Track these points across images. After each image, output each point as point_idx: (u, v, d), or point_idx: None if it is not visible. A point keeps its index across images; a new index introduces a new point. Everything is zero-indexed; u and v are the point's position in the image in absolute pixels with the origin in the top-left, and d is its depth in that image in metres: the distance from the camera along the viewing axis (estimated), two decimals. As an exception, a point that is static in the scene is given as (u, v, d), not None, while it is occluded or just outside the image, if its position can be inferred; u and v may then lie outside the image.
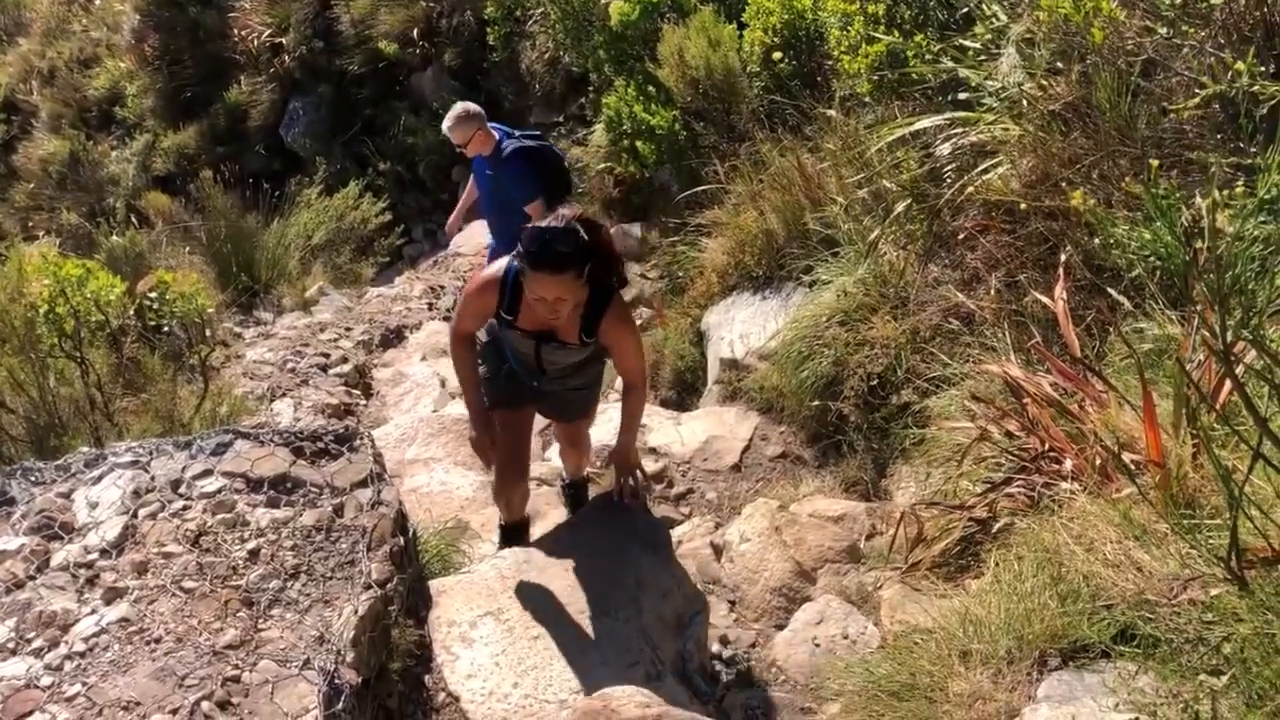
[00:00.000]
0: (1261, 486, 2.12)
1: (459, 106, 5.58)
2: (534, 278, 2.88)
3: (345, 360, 6.87)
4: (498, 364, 3.50)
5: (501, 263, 3.16)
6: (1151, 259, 1.65)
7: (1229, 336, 1.66)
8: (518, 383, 3.49)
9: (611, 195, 7.69)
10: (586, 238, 2.89)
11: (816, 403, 4.51)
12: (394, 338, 7.34)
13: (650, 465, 4.61)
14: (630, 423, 3.50)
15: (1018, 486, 3.03)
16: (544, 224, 2.88)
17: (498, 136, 5.56)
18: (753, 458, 4.72)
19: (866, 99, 4.96)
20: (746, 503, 4.27)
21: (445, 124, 5.53)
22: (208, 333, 5.57)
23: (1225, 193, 1.87)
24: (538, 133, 6.05)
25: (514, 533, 3.82)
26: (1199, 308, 2.49)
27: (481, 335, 3.47)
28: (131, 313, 4.81)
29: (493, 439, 3.43)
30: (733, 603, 3.74)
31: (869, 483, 4.26)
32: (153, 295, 4.75)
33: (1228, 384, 2.33)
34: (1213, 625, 1.92)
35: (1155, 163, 1.91)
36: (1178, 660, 1.92)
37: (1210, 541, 2.12)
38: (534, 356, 3.29)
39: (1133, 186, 2.18)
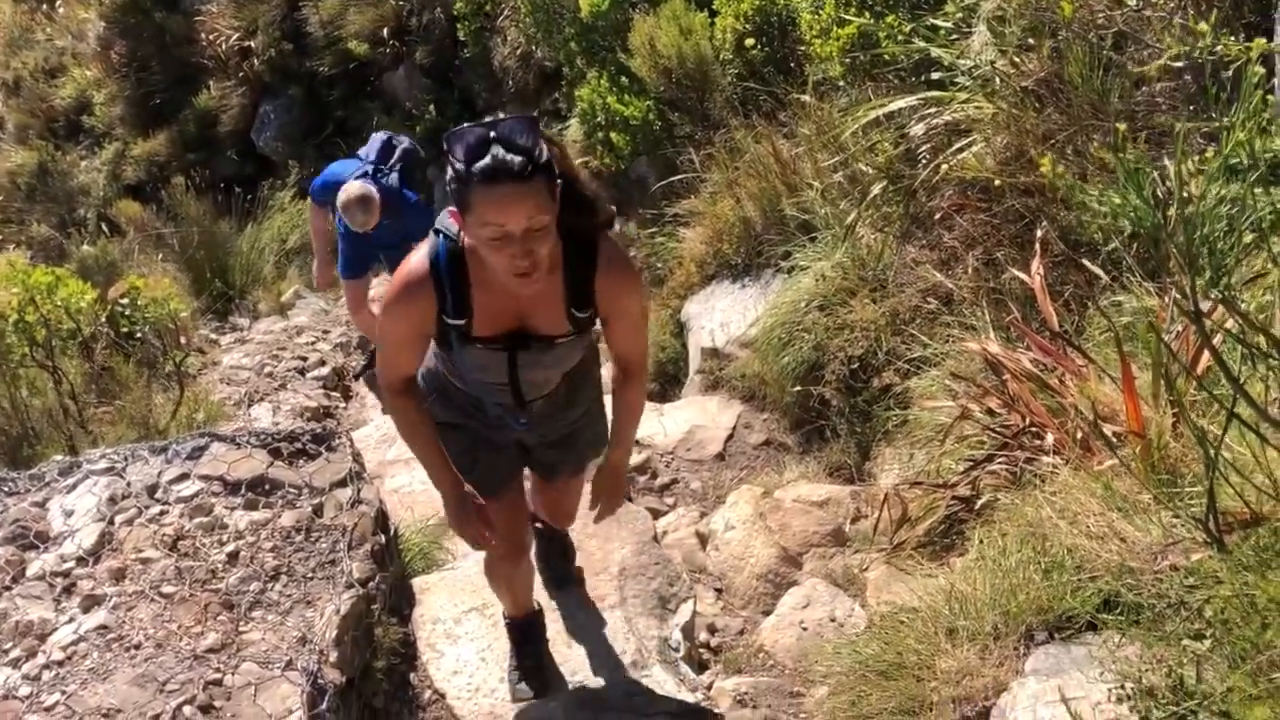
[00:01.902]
0: (1241, 451, 2.12)
1: (354, 193, 4.91)
2: (489, 202, 1.94)
3: (323, 363, 6.81)
4: (457, 422, 2.50)
5: (419, 251, 2.21)
6: (1123, 223, 1.64)
7: (1200, 298, 1.66)
8: (494, 449, 2.57)
9: (588, 189, 7.66)
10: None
11: (798, 388, 4.50)
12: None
13: (633, 457, 4.59)
14: (627, 429, 2.59)
15: (1000, 463, 3.03)
16: (483, 120, 1.98)
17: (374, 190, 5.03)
18: (736, 446, 4.70)
19: (840, 82, 4.96)
20: (731, 491, 4.26)
21: (354, 217, 4.91)
22: (183, 339, 5.50)
23: (1196, 158, 1.87)
24: (383, 136, 5.51)
25: (526, 631, 2.89)
26: (1174, 277, 2.49)
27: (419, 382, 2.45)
28: (103, 320, 4.75)
29: (481, 512, 2.46)
30: (719, 590, 3.72)
31: (853, 466, 4.26)
32: (124, 301, 4.70)
33: (1206, 351, 2.34)
34: (1194, 589, 1.92)
35: (1122, 127, 1.90)
36: (1161, 627, 1.92)
37: (1191, 508, 2.12)
38: (510, 380, 2.32)
39: (1102, 152, 2.17)
